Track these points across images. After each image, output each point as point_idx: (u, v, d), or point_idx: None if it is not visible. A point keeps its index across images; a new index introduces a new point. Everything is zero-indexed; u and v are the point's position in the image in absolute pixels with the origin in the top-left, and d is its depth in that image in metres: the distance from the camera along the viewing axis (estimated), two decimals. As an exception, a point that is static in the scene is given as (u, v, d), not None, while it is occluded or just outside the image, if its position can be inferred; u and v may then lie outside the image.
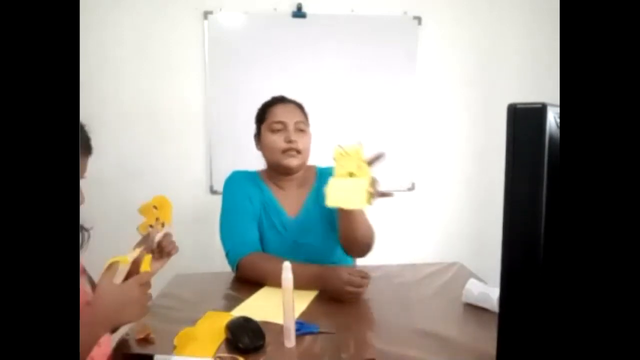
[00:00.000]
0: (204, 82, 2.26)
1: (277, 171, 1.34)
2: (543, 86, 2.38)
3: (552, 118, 0.52)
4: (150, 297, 0.80)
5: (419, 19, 2.34)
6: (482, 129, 2.45)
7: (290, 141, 1.27)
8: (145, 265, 0.81)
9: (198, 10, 2.21)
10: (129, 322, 0.81)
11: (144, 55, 2.23)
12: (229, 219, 1.31)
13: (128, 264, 0.78)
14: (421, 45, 2.36)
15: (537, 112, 0.52)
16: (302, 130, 1.31)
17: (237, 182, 1.37)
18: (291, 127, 1.28)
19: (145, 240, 0.94)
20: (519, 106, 0.53)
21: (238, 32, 2.24)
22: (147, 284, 0.79)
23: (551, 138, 0.52)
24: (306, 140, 1.32)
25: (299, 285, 1.07)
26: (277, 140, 1.28)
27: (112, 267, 0.76)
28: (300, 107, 1.36)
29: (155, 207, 0.95)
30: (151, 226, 0.94)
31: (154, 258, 0.95)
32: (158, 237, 0.94)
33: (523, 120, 0.53)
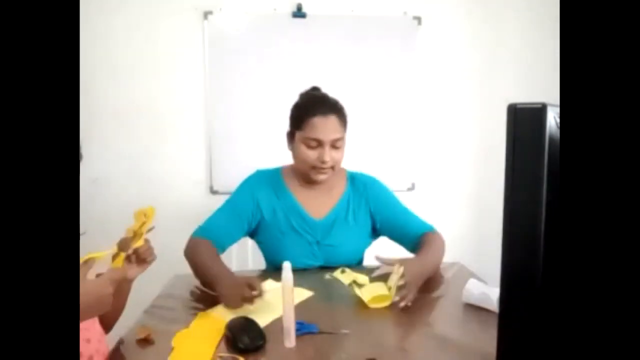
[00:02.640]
0: (204, 82, 2.25)
1: (303, 178, 1.34)
2: (543, 86, 2.38)
3: (552, 118, 0.52)
4: (125, 295, 0.78)
5: (419, 19, 2.34)
6: (482, 129, 2.45)
7: (323, 161, 1.24)
8: (117, 262, 0.81)
9: (198, 10, 2.21)
10: (94, 316, 0.81)
11: (144, 55, 2.23)
12: (219, 208, 1.34)
13: (103, 260, 0.79)
14: (421, 45, 2.36)
15: (537, 112, 0.52)
16: (337, 148, 1.26)
17: (251, 184, 1.36)
18: (327, 145, 1.24)
19: (124, 241, 0.93)
20: (519, 106, 0.54)
21: (238, 32, 2.24)
22: (117, 281, 0.78)
23: (551, 138, 0.52)
24: (340, 155, 1.28)
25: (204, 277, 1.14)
26: (310, 156, 1.25)
27: (87, 263, 0.76)
28: (340, 115, 1.28)
29: (145, 215, 0.94)
30: (135, 232, 0.93)
31: (131, 262, 0.94)
32: (134, 246, 0.92)
33: (523, 120, 0.53)
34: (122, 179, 2.24)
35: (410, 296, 1.02)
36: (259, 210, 1.33)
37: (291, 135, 1.31)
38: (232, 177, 2.29)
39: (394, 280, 1.04)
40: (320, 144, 1.24)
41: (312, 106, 1.26)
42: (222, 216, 1.31)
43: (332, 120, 1.25)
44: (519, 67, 2.43)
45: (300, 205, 1.34)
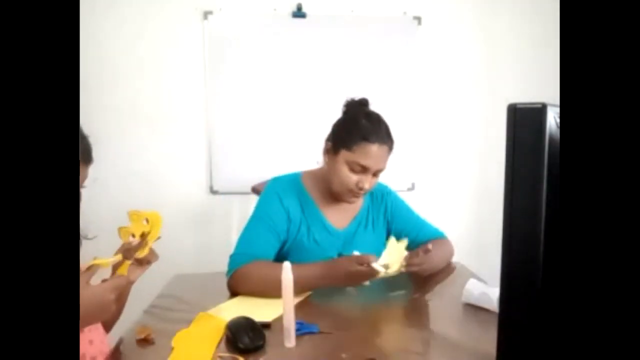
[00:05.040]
0: (204, 82, 2.25)
1: (329, 192, 1.27)
2: (543, 86, 2.38)
3: (552, 118, 0.52)
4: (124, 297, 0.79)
5: (419, 19, 2.34)
6: (482, 129, 2.45)
7: (362, 188, 1.19)
8: (122, 269, 0.81)
9: (198, 10, 2.22)
10: (96, 322, 0.82)
11: (144, 56, 2.23)
12: (253, 226, 1.24)
13: (108, 267, 0.78)
14: (421, 45, 2.36)
15: (537, 112, 0.52)
16: (376, 175, 1.23)
17: (278, 193, 1.26)
18: (370, 173, 1.19)
19: (127, 248, 0.88)
20: (519, 106, 0.54)
21: (238, 32, 2.24)
22: (120, 288, 0.78)
23: (551, 138, 0.52)
24: (376, 181, 1.24)
25: (307, 285, 1.09)
26: (351, 179, 1.18)
27: (92, 268, 0.75)
28: (391, 146, 1.24)
29: (146, 220, 0.88)
30: (133, 236, 0.88)
31: (133, 265, 0.90)
32: (139, 256, 0.87)
33: (523, 120, 0.53)
34: (122, 179, 2.24)
35: (417, 261, 1.07)
36: (289, 220, 1.25)
37: (334, 150, 1.22)
38: (232, 177, 2.31)
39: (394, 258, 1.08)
40: (365, 170, 1.18)
41: (371, 132, 1.18)
42: (258, 233, 1.21)
43: (385, 150, 1.20)
44: (519, 67, 2.43)
45: (324, 216, 1.29)
